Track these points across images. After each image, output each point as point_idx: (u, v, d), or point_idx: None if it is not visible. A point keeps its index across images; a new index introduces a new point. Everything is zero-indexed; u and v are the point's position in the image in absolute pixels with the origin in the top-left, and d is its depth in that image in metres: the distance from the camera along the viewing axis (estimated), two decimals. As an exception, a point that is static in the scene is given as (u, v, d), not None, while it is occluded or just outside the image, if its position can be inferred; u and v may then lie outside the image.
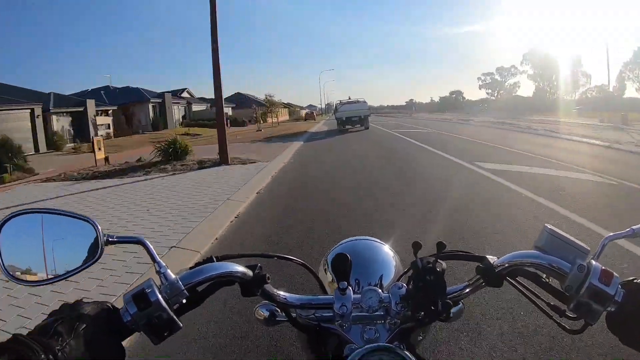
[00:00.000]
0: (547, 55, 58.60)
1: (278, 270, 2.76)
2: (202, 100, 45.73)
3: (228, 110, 41.89)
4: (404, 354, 0.56)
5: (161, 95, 35.12)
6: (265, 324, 0.72)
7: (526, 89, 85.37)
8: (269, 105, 37.10)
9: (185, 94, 43.31)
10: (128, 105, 32.96)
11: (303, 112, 60.58)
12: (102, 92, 34.48)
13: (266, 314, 0.72)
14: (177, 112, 37.44)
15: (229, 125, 28.26)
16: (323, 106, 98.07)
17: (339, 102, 23.77)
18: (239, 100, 51.73)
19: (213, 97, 10.84)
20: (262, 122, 34.29)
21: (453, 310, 0.61)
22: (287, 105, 74.61)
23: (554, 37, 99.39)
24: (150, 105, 33.93)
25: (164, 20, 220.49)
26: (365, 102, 22.16)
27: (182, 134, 18.49)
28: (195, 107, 42.78)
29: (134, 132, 30.63)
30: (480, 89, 74.87)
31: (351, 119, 20.60)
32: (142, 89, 35.77)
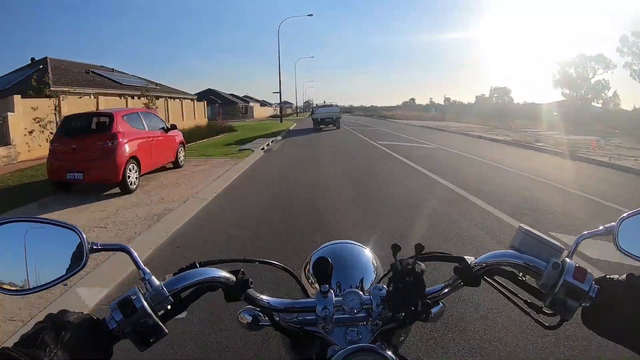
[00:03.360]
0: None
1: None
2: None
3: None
4: (385, 354, 0.57)
5: None
6: (249, 328, 0.72)
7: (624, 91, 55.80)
8: None
9: None
10: None
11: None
12: None
13: (249, 318, 0.71)
14: None
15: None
16: (301, 104, 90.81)
17: (315, 105, 28.92)
18: (84, 79, 16.88)
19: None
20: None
21: (433, 310, 0.62)
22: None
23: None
24: None
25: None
26: (337, 106, 26.71)
27: None
28: None
29: None
30: (555, 87, 43.66)
31: (325, 120, 24.39)
32: None
